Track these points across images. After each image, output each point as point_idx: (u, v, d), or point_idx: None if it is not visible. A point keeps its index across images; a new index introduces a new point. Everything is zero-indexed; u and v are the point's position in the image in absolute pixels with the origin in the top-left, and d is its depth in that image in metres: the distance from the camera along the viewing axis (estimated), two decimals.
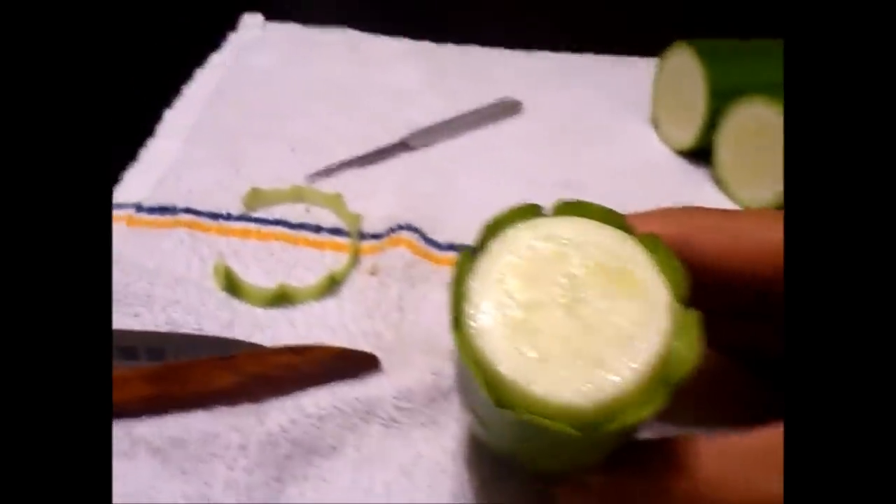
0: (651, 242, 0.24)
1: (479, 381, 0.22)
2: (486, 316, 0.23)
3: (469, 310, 0.23)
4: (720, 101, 0.46)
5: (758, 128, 0.44)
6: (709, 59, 0.47)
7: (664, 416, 0.27)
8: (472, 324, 0.22)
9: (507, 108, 0.53)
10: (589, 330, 0.22)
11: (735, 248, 0.25)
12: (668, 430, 0.28)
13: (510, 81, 0.57)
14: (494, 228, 0.25)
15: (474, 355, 0.22)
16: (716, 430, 0.26)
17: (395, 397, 0.31)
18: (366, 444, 0.31)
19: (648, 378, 0.22)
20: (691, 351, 0.22)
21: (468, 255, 0.24)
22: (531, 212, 0.25)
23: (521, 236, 0.24)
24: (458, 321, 0.23)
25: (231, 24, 0.61)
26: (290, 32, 0.61)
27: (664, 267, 0.24)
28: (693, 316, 0.23)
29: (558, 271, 0.23)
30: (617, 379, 0.21)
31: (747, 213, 0.27)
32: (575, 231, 0.24)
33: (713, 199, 0.47)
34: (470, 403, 0.25)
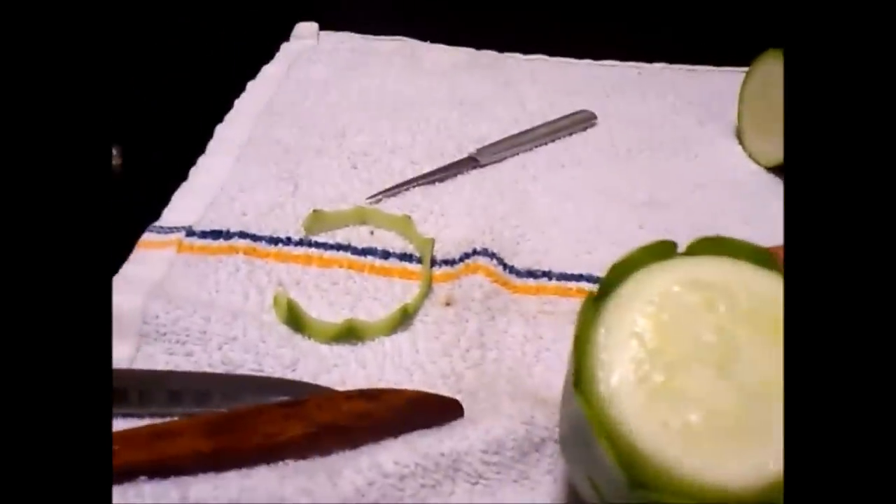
0: None
1: (611, 455, 0.18)
2: (620, 378, 0.19)
3: (598, 371, 0.19)
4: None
5: None
6: None
7: None
8: (602, 388, 0.19)
9: (580, 121, 0.49)
10: (746, 393, 0.19)
11: None
12: None
13: (581, 92, 0.53)
14: (623, 270, 0.21)
15: (605, 425, 0.19)
16: None
17: (482, 450, 0.28)
18: None
19: None
20: None
21: (592, 302, 0.20)
22: (665, 250, 0.21)
23: (658, 280, 0.21)
24: (583, 381, 0.19)
25: (284, 34, 0.58)
26: (345, 41, 0.58)
27: None
28: None
29: (704, 322, 0.20)
30: (781, 455, 0.18)
31: None
32: (720, 273, 0.21)
33: None
34: (587, 473, 0.21)
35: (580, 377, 0.20)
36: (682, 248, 0.22)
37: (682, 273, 0.21)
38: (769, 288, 0.20)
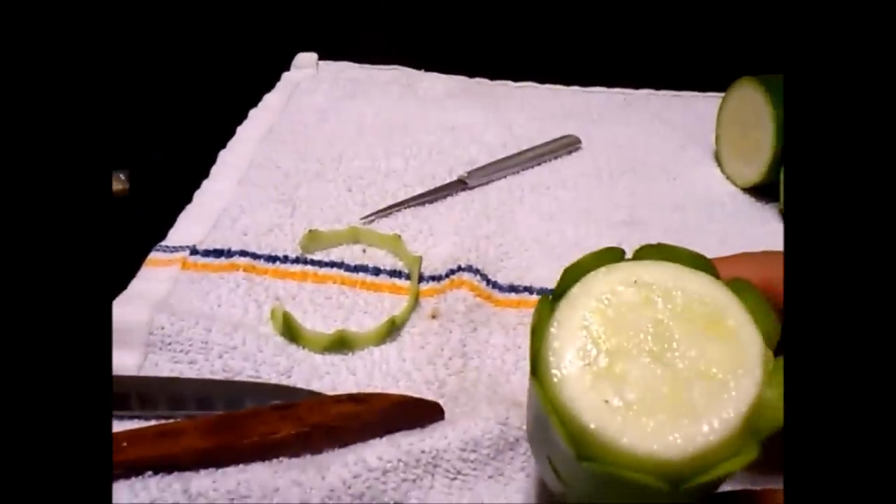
0: (741, 288, 0.23)
1: (560, 432, 0.21)
2: (569, 364, 0.21)
3: (550, 357, 0.22)
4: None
5: None
6: (776, 95, 0.46)
7: (749, 467, 0.25)
8: (554, 372, 0.21)
9: (565, 145, 0.52)
10: (678, 378, 0.21)
11: None
12: (752, 481, 0.26)
13: (568, 117, 0.56)
14: (575, 273, 0.23)
15: (556, 405, 0.21)
16: None
17: (460, 448, 0.30)
18: (430, 498, 0.29)
19: (740, 429, 0.20)
20: (783, 400, 0.21)
21: (548, 301, 0.23)
22: (613, 256, 0.24)
23: (604, 281, 0.23)
24: (538, 369, 0.22)
25: (285, 64, 0.61)
26: (344, 71, 0.60)
27: (755, 313, 0.22)
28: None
29: (644, 317, 0.22)
30: (707, 430, 0.20)
31: None
32: (660, 275, 0.23)
33: (780, 235, 0.45)
34: (546, 455, 0.24)
35: (536, 365, 0.22)
36: (629, 254, 0.24)
37: (625, 274, 0.23)
38: (701, 287, 0.23)
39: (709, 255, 0.24)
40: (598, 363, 0.21)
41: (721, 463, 0.20)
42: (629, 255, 0.24)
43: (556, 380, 0.21)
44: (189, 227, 0.43)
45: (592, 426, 0.20)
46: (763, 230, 0.45)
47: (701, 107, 0.57)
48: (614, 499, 0.22)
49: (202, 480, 0.28)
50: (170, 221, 0.43)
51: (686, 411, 0.20)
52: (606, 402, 0.21)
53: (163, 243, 0.42)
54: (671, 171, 0.51)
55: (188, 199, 0.45)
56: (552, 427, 0.21)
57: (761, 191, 0.48)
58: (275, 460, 0.29)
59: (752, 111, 0.47)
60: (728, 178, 0.50)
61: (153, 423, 0.31)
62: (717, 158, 0.52)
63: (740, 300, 0.23)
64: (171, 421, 0.31)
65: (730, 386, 0.21)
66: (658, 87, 0.61)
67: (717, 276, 0.23)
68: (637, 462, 0.20)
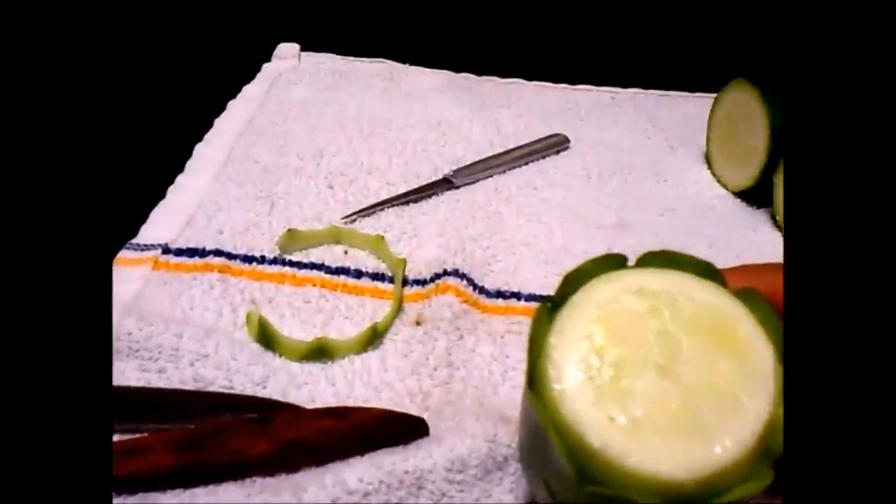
0: (750, 298, 0.22)
1: (560, 451, 0.20)
2: (570, 377, 0.20)
3: (550, 370, 0.21)
4: (781, 141, 0.44)
5: None
6: (770, 98, 0.45)
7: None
8: (554, 386, 0.20)
9: (553, 144, 0.51)
10: (687, 394, 0.20)
11: None
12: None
13: (556, 116, 0.54)
14: (576, 280, 0.22)
15: (556, 422, 0.20)
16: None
17: (446, 469, 0.28)
18: None
19: (754, 450, 0.20)
20: None
21: (546, 309, 0.22)
22: (615, 262, 0.23)
23: (607, 289, 0.22)
24: (536, 382, 0.21)
25: (266, 54, 0.59)
26: (326, 62, 0.59)
27: (765, 325, 0.22)
28: None
29: (650, 328, 0.21)
30: (720, 451, 0.19)
31: None
32: (666, 283, 0.22)
33: (772, 242, 0.44)
34: (541, 476, 0.22)
35: (533, 377, 0.21)
36: (632, 261, 0.23)
37: (629, 282, 0.22)
38: (709, 297, 0.22)
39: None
40: (602, 376, 0.20)
41: (734, 487, 0.19)
42: (631, 261, 0.23)
43: (555, 394, 0.20)
44: (162, 223, 0.42)
45: (596, 445, 0.19)
46: (755, 236, 0.44)
47: (690, 107, 0.56)
48: None
49: (169, 501, 0.27)
50: (141, 218, 0.42)
51: (697, 430, 0.19)
52: (611, 419, 0.20)
53: (133, 241, 0.40)
54: (660, 172, 0.50)
55: (161, 195, 0.44)
56: (551, 445, 0.20)
57: (753, 195, 0.47)
58: (248, 480, 0.28)
59: (746, 114, 0.46)
60: (718, 181, 0.49)
61: (117, 437, 0.29)
62: (708, 161, 0.51)
63: (750, 311, 0.22)
64: (137, 436, 0.29)
65: (742, 403, 0.20)
66: (645, 87, 0.60)
67: (724, 285, 0.22)
68: (643, 485, 0.19)
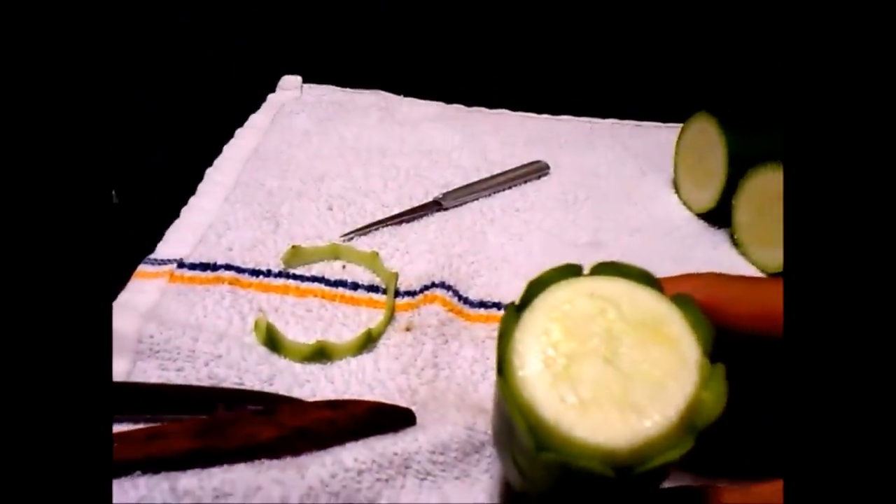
0: (682, 302, 0.26)
1: (521, 426, 0.23)
2: (531, 365, 0.24)
3: (514, 359, 0.24)
4: (738, 167, 0.48)
5: (774, 193, 0.45)
6: (728, 129, 0.49)
7: (691, 467, 0.28)
8: (517, 372, 0.24)
9: (535, 170, 0.55)
10: (625, 378, 0.24)
11: (758, 314, 0.28)
12: (694, 481, 0.29)
13: (538, 144, 0.58)
14: (538, 286, 0.26)
15: (518, 402, 0.24)
16: (739, 480, 0.27)
17: (430, 451, 0.32)
18: (402, 497, 0.32)
19: (678, 424, 0.23)
20: (717, 400, 0.24)
21: (513, 310, 0.26)
22: (571, 271, 0.27)
23: (563, 293, 0.26)
24: (504, 370, 0.24)
25: (271, 86, 0.63)
26: (326, 94, 0.63)
27: (694, 324, 0.25)
28: (719, 369, 0.24)
29: (598, 325, 0.25)
30: (650, 424, 0.23)
31: (769, 282, 0.29)
32: (613, 289, 0.26)
33: (729, 258, 0.48)
34: (509, 450, 0.26)
35: (502, 366, 0.25)
36: (586, 271, 0.27)
37: (582, 288, 0.26)
38: (648, 300, 0.25)
39: (662, 275, 0.27)
40: (557, 365, 0.24)
41: (661, 454, 0.23)
42: (587, 271, 0.27)
43: (519, 379, 0.24)
44: (177, 241, 0.45)
45: (549, 420, 0.23)
46: (714, 253, 0.49)
47: (661, 136, 0.60)
48: (569, 489, 0.25)
49: (189, 479, 0.30)
50: (159, 236, 0.46)
51: (632, 408, 0.23)
52: (563, 398, 0.23)
53: (151, 256, 0.44)
54: (632, 196, 0.54)
55: (176, 215, 0.47)
56: (515, 422, 0.23)
57: (714, 216, 0.51)
58: (257, 461, 0.31)
59: (707, 142, 0.50)
60: (684, 203, 0.53)
61: (142, 426, 0.33)
62: (675, 185, 0.55)
63: (681, 312, 0.25)
64: (159, 424, 0.32)
65: (670, 386, 0.24)
66: (622, 118, 0.64)
67: (661, 291, 0.26)
68: (588, 452, 0.23)
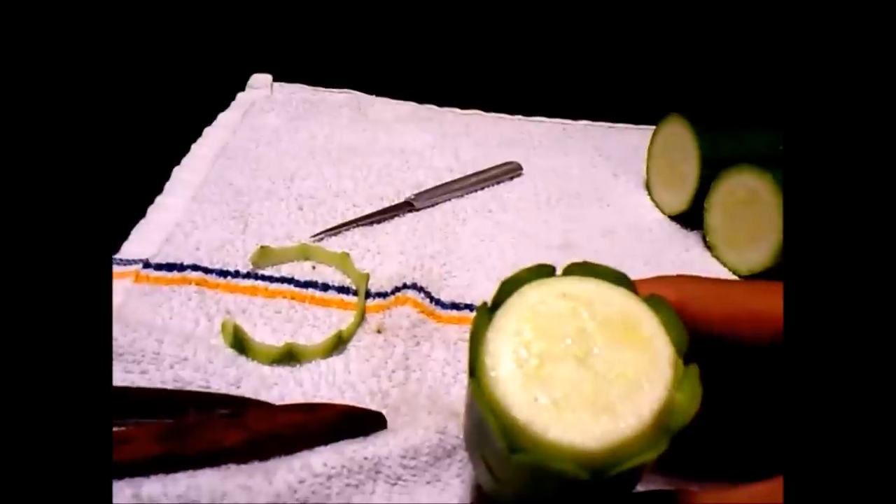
0: (656, 303, 0.26)
1: (493, 426, 0.23)
2: (503, 365, 0.24)
3: (486, 360, 0.24)
4: (710, 169, 0.48)
5: (745, 195, 0.45)
6: (701, 131, 0.49)
7: (665, 470, 0.28)
8: (490, 373, 0.24)
9: (507, 171, 0.55)
10: (598, 379, 0.23)
11: (730, 316, 0.28)
12: (668, 484, 0.29)
13: (511, 144, 0.58)
14: (511, 287, 0.26)
15: (491, 403, 0.23)
16: (712, 483, 0.27)
17: (401, 456, 0.32)
18: (373, 502, 0.31)
19: (652, 425, 0.23)
20: (691, 401, 0.23)
21: (485, 310, 0.25)
22: (544, 272, 0.26)
23: (536, 293, 0.25)
24: (476, 370, 0.24)
25: (241, 84, 0.62)
26: (297, 92, 0.62)
27: (667, 325, 0.25)
28: (693, 370, 0.24)
29: (570, 325, 0.25)
30: (623, 426, 0.23)
31: (741, 284, 0.30)
32: (585, 290, 0.26)
33: (702, 260, 0.49)
34: (481, 451, 0.26)
35: (474, 367, 0.24)
36: (559, 271, 0.27)
37: (555, 288, 0.25)
38: (621, 301, 0.25)
39: (634, 276, 0.27)
40: (529, 365, 0.24)
41: (635, 455, 0.22)
42: (559, 271, 0.27)
43: (491, 380, 0.23)
44: (143, 240, 0.45)
45: (522, 421, 0.22)
46: (687, 255, 0.49)
47: (634, 138, 0.60)
48: (542, 491, 0.25)
49: (152, 485, 0.29)
50: (124, 235, 0.45)
51: (605, 408, 0.23)
52: (535, 399, 0.23)
53: (116, 256, 0.43)
54: (604, 198, 0.54)
55: (142, 214, 0.47)
56: (487, 423, 0.23)
57: (686, 218, 0.51)
58: (223, 466, 0.30)
59: (679, 145, 0.51)
60: (656, 205, 0.54)
61: None
62: (647, 187, 0.55)
63: (655, 313, 0.25)
64: (123, 428, 0.32)
65: (644, 387, 0.23)
66: (595, 119, 0.64)
67: (635, 291, 0.26)
68: (561, 453, 0.22)
